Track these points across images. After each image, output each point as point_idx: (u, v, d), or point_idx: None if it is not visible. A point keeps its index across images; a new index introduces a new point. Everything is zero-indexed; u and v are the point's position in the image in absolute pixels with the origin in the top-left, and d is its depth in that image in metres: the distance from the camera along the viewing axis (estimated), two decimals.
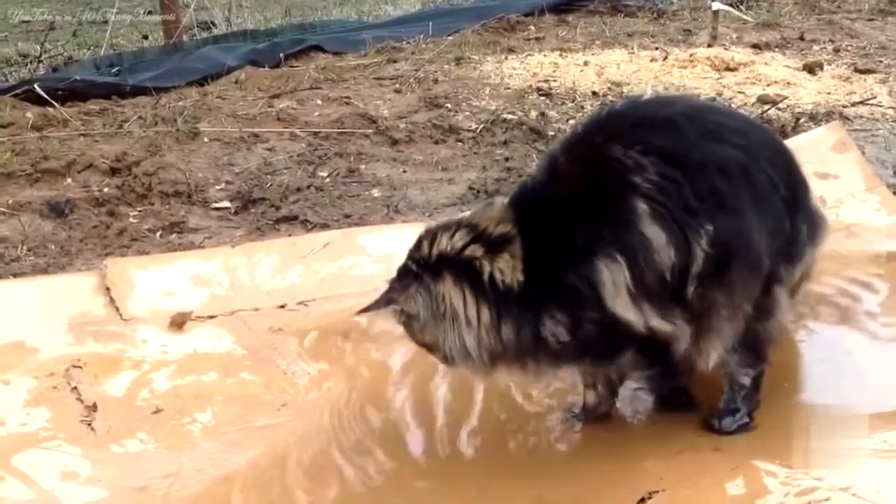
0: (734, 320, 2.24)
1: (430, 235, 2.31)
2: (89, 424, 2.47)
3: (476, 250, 2.25)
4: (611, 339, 2.26)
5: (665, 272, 2.18)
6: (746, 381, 2.34)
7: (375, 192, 3.97)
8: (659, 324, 2.22)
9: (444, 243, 2.27)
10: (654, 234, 2.17)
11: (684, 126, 2.22)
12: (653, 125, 2.24)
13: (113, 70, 5.60)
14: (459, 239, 2.27)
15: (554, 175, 2.30)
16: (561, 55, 5.70)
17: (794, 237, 2.30)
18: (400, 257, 2.39)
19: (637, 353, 2.30)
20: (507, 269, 2.23)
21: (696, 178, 2.17)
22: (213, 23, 6.95)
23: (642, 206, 2.17)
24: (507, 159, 4.24)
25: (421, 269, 2.28)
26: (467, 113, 4.79)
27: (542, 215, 2.27)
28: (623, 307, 2.20)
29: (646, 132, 2.22)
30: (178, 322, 2.81)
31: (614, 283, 2.19)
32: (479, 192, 3.91)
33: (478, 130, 4.55)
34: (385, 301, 2.32)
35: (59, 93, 4.99)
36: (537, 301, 2.23)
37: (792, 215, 2.28)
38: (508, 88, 5.13)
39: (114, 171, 4.08)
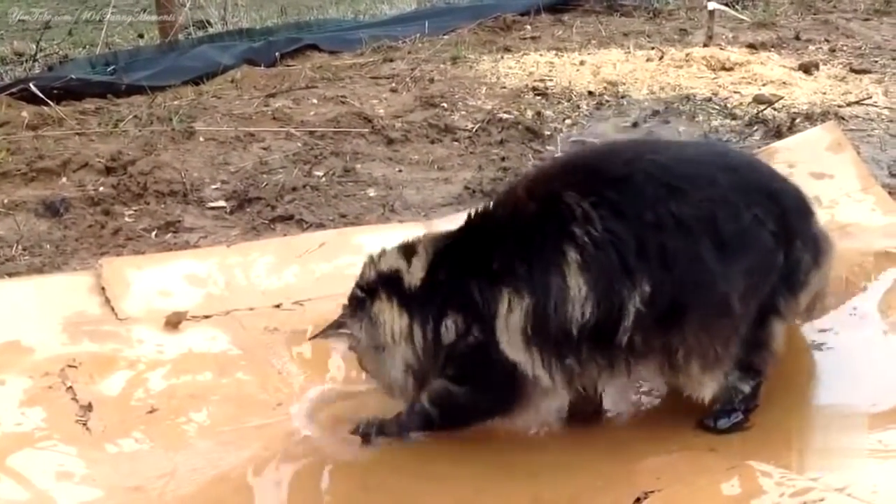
0: (707, 359, 2.27)
1: (371, 260, 2.42)
2: (84, 424, 2.46)
3: (400, 263, 2.36)
4: (477, 374, 2.31)
5: (572, 326, 2.19)
6: (746, 388, 2.36)
7: (371, 192, 3.96)
8: (542, 374, 2.25)
9: (381, 264, 2.39)
10: (576, 285, 2.18)
11: (643, 184, 2.22)
12: (612, 180, 2.25)
13: (108, 69, 5.58)
14: (391, 257, 2.38)
15: (507, 199, 2.37)
16: (557, 55, 5.70)
17: (794, 267, 2.31)
18: None
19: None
20: (415, 272, 2.33)
21: (644, 235, 2.19)
22: (208, 21, 6.94)
23: (573, 256, 2.19)
24: (503, 159, 4.23)
25: (364, 293, 2.39)
26: (463, 112, 4.79)
27: (477, 231, 2.34)
28: (510, 345, 2.24)
29: (605, 185, 2.23)
30: (174, 322, 2.80)
31: (508, 317, 2.23)
32: (474, 191, 3.91)
33: (474, 130, 4.54)
34: (337, 325, 2.44)
35: (55, 91, 4.98)
36: (439, 300, 2.30)
37: (787, 247, 2.29)
38: (504, 88, 5.13)
39: (109, 171, 4.07)
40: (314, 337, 2.52)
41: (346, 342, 2.46)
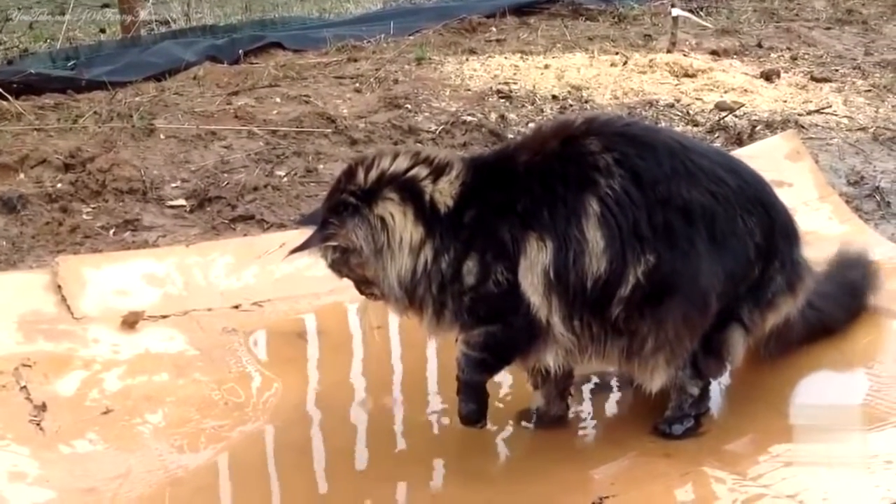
0: (667, 352, 2.29)
1: (366, 162, 2.31)
2: (38, 424, 2.44)
3: (420, 171, 2.29)
4: (505, 311, 2.27)
5: (588, 279, 2.21)
6: (695, 391, 2.40)
7: None
8: (559, 323, 2.25)
9: (385, 165, 2.28)
10: (595, 238, 2.20)
11: (663, 158, 2.26)
12: (637, 143, 2.27)
13: (69, 64, 5.52)
14: (403, 161, 2.29)
15: (531, 141, 2.35)
16: (522, 58, 5.71)
17: (765, 283, 2.35)
18: None
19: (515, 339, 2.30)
20: (444, 192, 2.27)
21: (655, 208, 2.22)
22: (171, 17, 6.89)
23: (594, 207, 2.20)
24: None
25: (358, 199, 2.27)
26: (427, 114, 4.78)
27: (502, 169, 2.31)
28: (531, 287, 2.23)
29: (628, 145, 2.26)
30: (130, 321, 2.78)
31: (532, 262, 2.22)
32: None
33: (437, 132, 4.54)
34: (321, 238, 2.29)
35: (14, 86, 4.91)
36: (464, 238, 2.25)
37: (765, 263, 2.33)
38: (469, 90, 5.13)
39: (67, 167, 4.03)
40: (293, 252, 2.35)
41: (331, 256, 2.31)
